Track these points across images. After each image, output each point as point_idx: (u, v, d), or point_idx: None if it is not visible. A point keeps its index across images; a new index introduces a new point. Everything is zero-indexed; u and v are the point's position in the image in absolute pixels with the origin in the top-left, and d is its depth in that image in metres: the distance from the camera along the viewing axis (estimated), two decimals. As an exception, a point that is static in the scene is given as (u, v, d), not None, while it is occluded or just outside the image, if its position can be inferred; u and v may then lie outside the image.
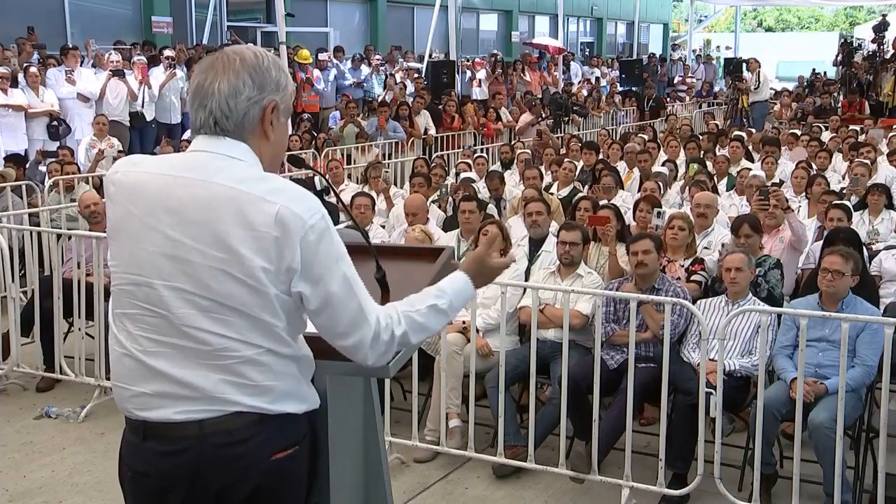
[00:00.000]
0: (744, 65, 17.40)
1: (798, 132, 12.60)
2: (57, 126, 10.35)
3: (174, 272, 1.92)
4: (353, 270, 1.97)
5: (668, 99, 20.47)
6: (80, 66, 11.28)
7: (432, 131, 13.11)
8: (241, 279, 1.90)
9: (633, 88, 19.75)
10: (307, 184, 7.26)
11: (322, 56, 14.91)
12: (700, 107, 20.28)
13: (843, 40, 24.96)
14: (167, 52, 12.25)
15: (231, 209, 1.90)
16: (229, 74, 1.96)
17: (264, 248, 1.89)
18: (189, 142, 9.45)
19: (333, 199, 6.32)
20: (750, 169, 8.74)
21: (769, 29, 47.66)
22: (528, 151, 10.56)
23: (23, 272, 6.43)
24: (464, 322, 4.98)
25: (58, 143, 10.16)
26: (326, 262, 1.92)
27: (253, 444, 1.96)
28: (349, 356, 2.01)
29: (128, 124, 11.25)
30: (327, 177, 8.61)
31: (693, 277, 5.34)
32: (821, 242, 5.68)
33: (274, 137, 2.04)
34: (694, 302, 4.77)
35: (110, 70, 11.04)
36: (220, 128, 1.97)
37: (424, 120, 13.11)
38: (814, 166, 8.97)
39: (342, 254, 1.96)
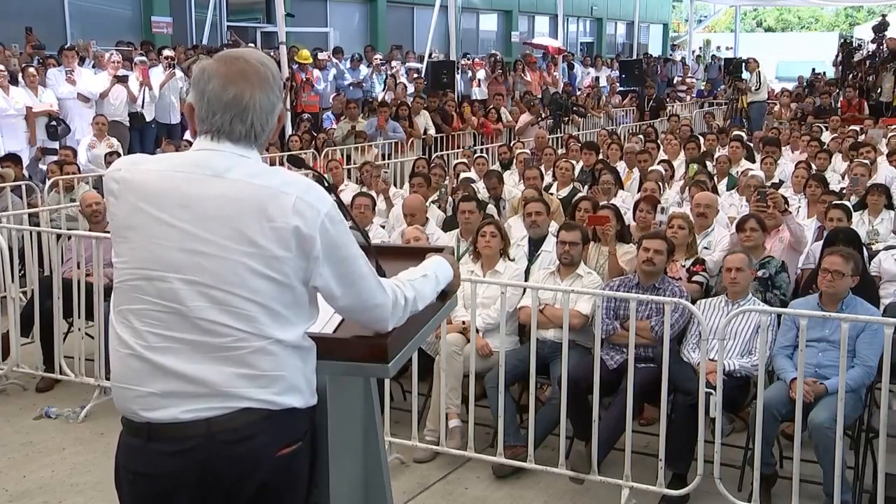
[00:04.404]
0: (743, 65, 17.39)
1: (799, 132, 12.59)
2: (55, 126, 10.34)
3: (190, 266, 1.94)
4: (360, 249, 2.07)
5: (668, 99, 20.46)
6: (81, 66, 11.27)
7: (432, 131, 13.10)
8: (261, 271, 1.94)
9: (634, 88, 19.74)
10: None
11: (321, 56, 14.90)
12: (701, 107, 20.27)
13: (842, 40, 24.93)
14: (166, 52, 12.25)
15: (249, 203, 1.94)
16: (267, 90, 2.02)
17: (284, 239, 1.94)
18: (190, 142, 9.40)
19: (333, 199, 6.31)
20: (751, 169, 8.74)
21: (769, 29, 47.63)
22: (528, 152, 10.54)
23: (23, 272, 6.43)
24: (464, 322, 4.98)
25: (57, 143, 10.15)
26: (344, 245, 2.00)
27: (259, 440, 1.96)
28: (373, 326, 2.10)
29: (128, 124, 11.24)
30: (327, 177, 8.60)
31: (694, 278, 5.34)
32: (821, 242, 5.67)
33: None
34: (694, 302, 4.77)
35: (115, 76, 11.02)
36: (255, 138, 2.04)
37: (424, 120, 13.10)
38: (814, 166, 8.97)
39: (351, 236, 2.05)
